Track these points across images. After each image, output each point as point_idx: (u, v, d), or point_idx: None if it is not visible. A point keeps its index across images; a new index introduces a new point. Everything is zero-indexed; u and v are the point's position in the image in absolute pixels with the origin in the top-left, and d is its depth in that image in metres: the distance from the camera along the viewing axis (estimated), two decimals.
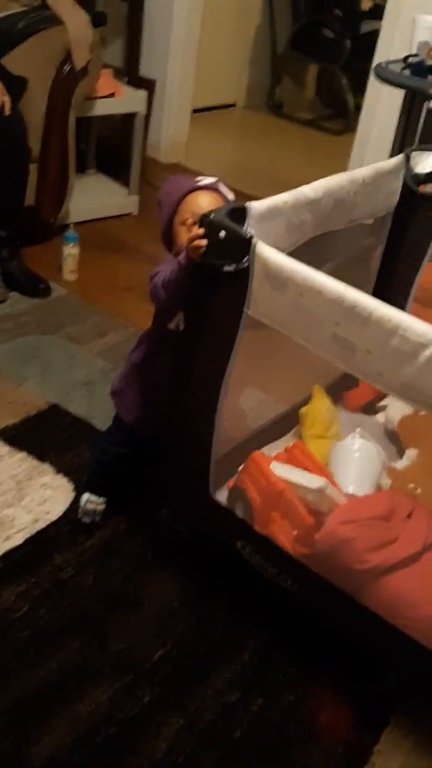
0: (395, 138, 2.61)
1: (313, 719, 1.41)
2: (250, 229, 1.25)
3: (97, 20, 2.75)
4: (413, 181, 1.78)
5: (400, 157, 1.74)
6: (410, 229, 1.86)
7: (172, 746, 1.32)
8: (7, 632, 1.45)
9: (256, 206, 1.32)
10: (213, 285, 1.29)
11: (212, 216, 1.24)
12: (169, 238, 1.51)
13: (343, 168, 3.41)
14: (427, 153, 1.78)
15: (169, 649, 1.47)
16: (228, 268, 1.25)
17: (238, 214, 1.29)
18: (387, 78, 2.26)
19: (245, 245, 1.21)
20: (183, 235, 1.42)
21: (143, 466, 1.75)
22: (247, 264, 1.23)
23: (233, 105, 4.97)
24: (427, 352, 1.07)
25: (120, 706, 1.37)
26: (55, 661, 1.42)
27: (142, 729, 1.34)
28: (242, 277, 1.24)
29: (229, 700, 1.41)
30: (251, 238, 1.21)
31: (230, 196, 1.48)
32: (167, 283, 1.40)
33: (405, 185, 1.77)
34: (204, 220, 1.25)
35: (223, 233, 1.22)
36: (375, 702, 1.45)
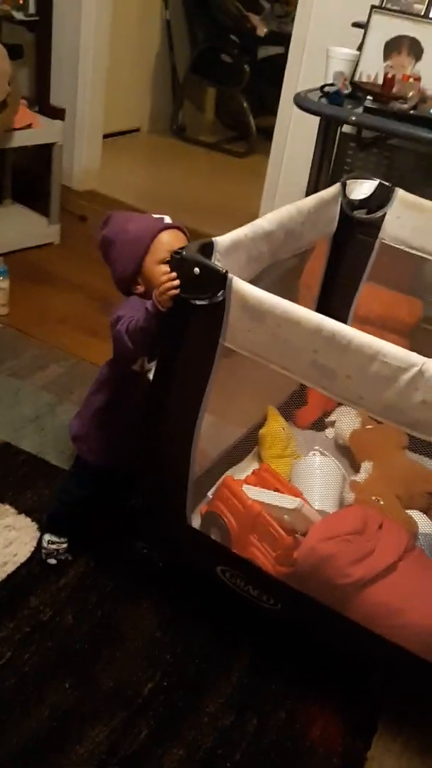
0: (313, 161, 2.71)
1: (307, 733, 1.45)
2: (218, 263, 1.29)
3: (14, 52, 2.73)
4: (349, 207, 1.88)
5: (337, 185, 1.83)
6: (348, 252, 1.95)
7: None
8: None
9: (221, 241, 1.37)
10: (186, 318, 1.32)
11: (184, 253, 1.27)
12: (128, 281, 1.48)
13: (252, 187, 3.53)
14: (360, 181, 1.88)
15: (158, 680, 1.48)
16: (201, 302, 1.28)
17: (206, 249, 1.33)
18: (307, 107, 2.35)
19: (220, 280, 1.25)
20: (158, 276, 1.38)
21: (106, 502, 1.75)
22: (222, 298, 1.26)
23: (137, 130, 5.01)
24: (406, 376, 1.14)
25: (119, 744, 1.36)
26: (46, 707, 1.40)
27: (145, 764, 1.34)
28: (217, 310, 1.28)
29: (225, 723, 1.43)
30: (227, 273, 1.24)
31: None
32: (133, 331, 1.39)
33: (342, 211, 1.86)
34: (176, 258, 1.28)
35: (197, 270, 1.26)
36: (362, 710, 1.51)
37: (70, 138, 3.67)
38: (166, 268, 1.36)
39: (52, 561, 1.68)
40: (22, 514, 1.79)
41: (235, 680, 1.51)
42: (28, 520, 1.78)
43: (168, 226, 1.46)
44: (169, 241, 1.43)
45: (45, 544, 1.69)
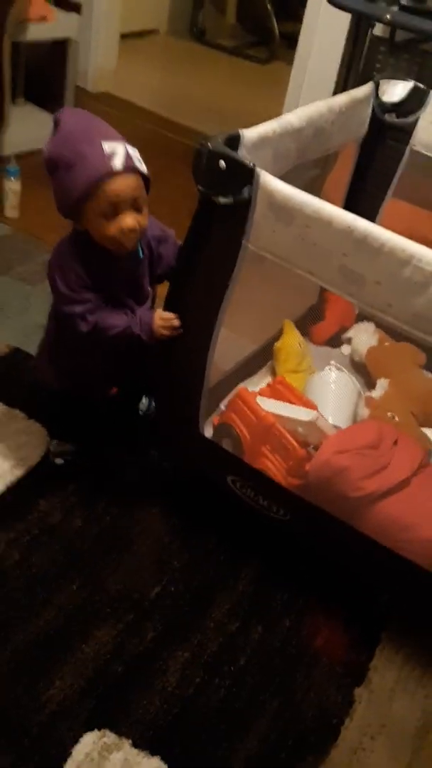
0: (341, 64, 2.57)
1: (311, 642, 1.46)
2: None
3: None
4: (380, 109, 1.78)
5: (370, 85, 1.72)
6: (376, 158, 1.86)
7: (180, 679, 1.34)
8: (2, 581, 1.42)
9: (248, 134, 1.29)
10: (208, 217, 1.26)
11: (210, 145, 1.19)
12: (71, 212, 1.33)
13: (273, 96, 3.38)
14: (394, 82, 1.77)
15: (165, 585, 1.48)
16: (225, 200, 1.22)
17: (232, 141, 1.25)
18: (340, 3, 2.21)
19: (247, 175, 1.18)
20: (103, 228, 1.30)
21: (115, 410, 1.73)
22: (248, 195, 1.20)
23: (155, 31, 4.78)
24: None
25: (125, 645, 1.37)
26: (54, 607, 1.40)
27: (150, 665, 1.35)
28: (242, 209, 1.22)
29: (230, 629, 1.44)
30: (254, 167, 1.17)
31: (143, 168, 1.31)
32: (100, 331, 1.34)
33: (373, 114, 1.77)
34: (200, 150, 1.20)
35: (222, 163, 1.19)
36: (365, 622, 1.51)
37: (85, 36, 3.49)
38: (164, 315, 1.36)
39: (60, 461, 1.67)
40: (33, 419, 1.77)
41: (242, 589, 1.51)
42: (39, 425, 1.76)
43: (115, 173, 1.26)
44: (116, 191, 1.26)
45: (52, 448, 1.68)
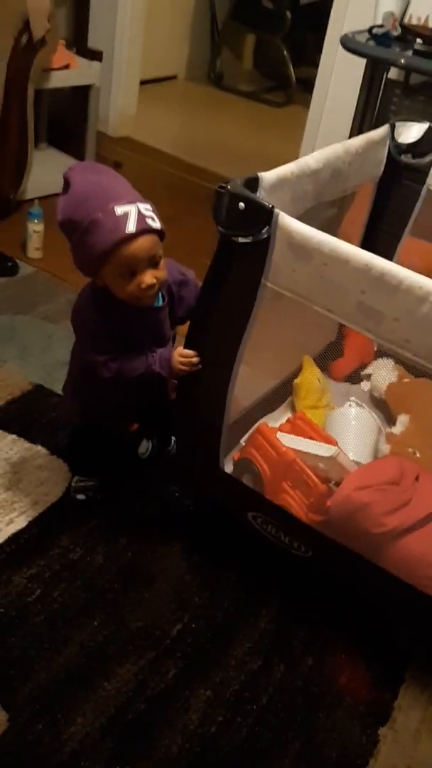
0: (357, 108, 2.63)
1: (334, 682, 1.44)
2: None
3: None
4: (396, 150, 1.81)
5: (386, 127, 1.76)
6: (392, 198, 1.89)
7: (203, 718, 1.33)
8: (23, 617, 1.43)
9: (267, 177, 1.32)
10: (228, 256, 1.29)
11: (230, 188, 1.23)
12: (90, 272, 1.36)
13: (290, 139, 3.45)
14: (410, 124, 1.81)
15: (186, 623, 1.48)
16: (244, 240, 1.24)
17: (252, 184, 1.29)
18: (355, 49, 2.27)
19: (266, 216, 1.21)
20: (122, 287, 1.33)
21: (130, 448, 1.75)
22: (267, 235, 1.22)
23: (174, 77, 4.90)
24: None
25: (147, 683, 1.37)
26: (75, 644, 1.41)
27: (172, 703, 1.35)
28: (261, 248, 1.24)
29: (252, 668, 1.43)
30: (273, 208, 1.20)
31: (157, 225, 1.32)
32: (123, 373, 1.38)
33: (389, 155, 1.80)
34: (222, 192, 1.23)
35: (242, 205, 1.22)
36: (389, 660, 1.50)
37: (106, 82, 3.60)
38: (184, 352, 1.37)
39: (81, 497, 1.68)
40: (54, 455, 1.79)
41: (263, 626, 1.50)
42: (60, 461, 1.77)
43: (129, 236, 1.27)
44: (133, 253, 1.28)
45: (74, 483, 1.70)
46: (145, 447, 1.80)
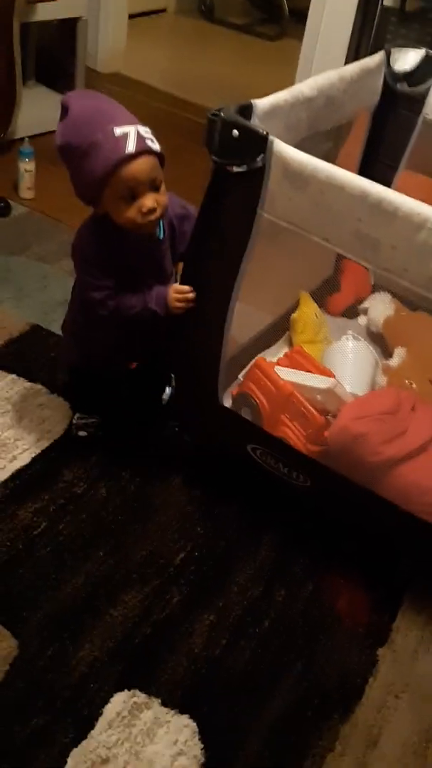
0: (351, 37, 2.57)
1: (333, 605, 1.48)
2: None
3: None
4: (392, 78, 1.78)
5: (381, 54, 1.73)
6: (389, 129, 1.86)
7: (206, 641, 1.38)
8: (30, 550, 1.46)
9: (260, 104, 1.30)
10: (222, 187, 1.28)
11: (223, 115, 1.21)
12: (90, 198, 1.35)
13: (284, 73, 3.36)
14: (406, 50, 1.77)
15: (189, 551, 1.52)
16: (239, 169, 1.23)
17: (245, 111, 1.27)
18: None
19: (261, 143, 1.20)
20: (123, 211, 1.31)
21: (136, 386, 1.76)
22: (261, 163, 1.21)
23: (164, 10, 4.76)
24: None
25: (152, 609, 1.41)
26: (81, 574, 1.44)
27: (176, 628, 1.39)
28: (256, 177, 1.23)
29: (254, 594, 1.47)
30: (267, 135, 1.19)
31: (156, 147, 1.31)
32: (120, 312, 1.39)
33: (385, 83, 1.77)
34: (214, 119, 1.22)
35: (235, 132, 1.20)
36: (387, 584, 1.54)
37: (94, 16, 3.50)
38: (179, 287, 1.37)
39: (83, 433, 1.70)
40: (55, 394, 1.80)
41: (264, 554, 1.54)
42: (61, 399, 1.79)
43: (129, 156, 1.26)
44: (133, 175, 1.27)
45: (75, 420, 1.71)
46: (168, 394, 1.81)
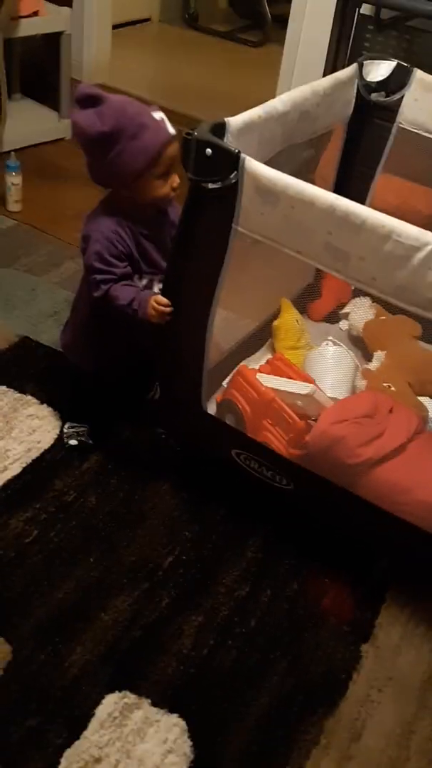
0: (329, 45, 2.61)
1: (318, 604, 1.53)
2: (230, 144, 1.28)
3: None
4: (366, 89, 1.83)
5: (354, 66, 1.77)
6: (364, 137, 1.91)
7: (195, 642, 1.42)
8: (22, 557, 1.50)
9: (233, 121, 1.35)
10: (198, 203, 1.32)
11: (197, 134, 1.26)
12: (119, 185, 1.45)
13: (268, 77, 3.42)
14: (378, 62, 1.82)
15: (177, 555, 1.56)
16: (214, 186, 1.28)
17: (218, 129, 1.31)
18: None
19: (233, 161, 1.24)
20: (158, 188, 1.43)
21: (125, 393, 1.80)
22: (235, 180, 1.26)
23: (148, 19, 4.81)
24: (420, 255, 1.14)
25: (141, 612, 1.45)
26: (73, 580, 1.48)
27: (166, 630, 1.43)
28: (230, 193, 1.28)
29: (241, 594, 1.51)
30: (239, 153, 1.23)
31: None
32: (110, 300, 1.46)
33: (358, 94, 1.82)
34: (187, 139, 1.26)
35: (209, 151, 1.25)
36: (370, 583, 1.58)
37: (78, 29, 3.53)
38: (159, 299, 1.42)
39: (74, 442, 1.74)
40: (44, 404, 1.84)
41: (250, 555, 1.58)
42: (50, 409, 1.83)
43: (172, 137, 1.40)
44: (172, 154, 1.40)
45: (66, 429, 1.76)
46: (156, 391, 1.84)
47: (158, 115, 1.41)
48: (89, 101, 1.38)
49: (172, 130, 1.41)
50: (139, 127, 1.38)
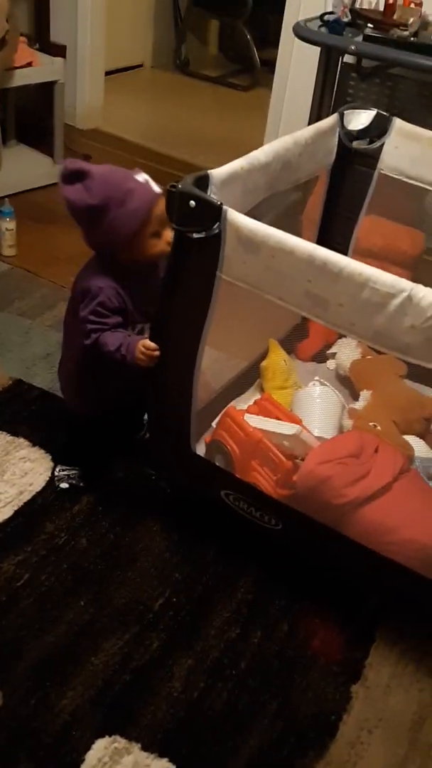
0: (314, 93, 2.69)
1: (308, 644, 1.54)
2: (214, 196, 1.33)
3: None
4: (347, 138, 1.88)
5: (335, 116, 1.83)
6: (347, 183, 1.96)
7: (185, 684, 1.43)
8: (13, 601, 1.52)
9: (216, 173, 1.39)
10: (184, 252, 1.36)
11: (181, 187, 1.30)
12: (116, 250, 1.49)
13: (257, 123, 3.50)
14: (358, 111, 1.88)
15: (168, 597, 1.57)
16: (198, 236, 1.32)
17: (202, 182, 1.36)
18: (306, 37, 2.33)
19: (215, 212, 1.29)
20: (153, 246, 1.48)
21: (116, 435, 1.83)
22: (218, 230, 1.30)
23: (141, 65, 4.93)
24: (396, 301, 1.18)
25: (132, 655, 1.46)
26: (64, 623, 1.50)
27: (156, 673, 1.44)
28: (213, 243, 1.32)
29: (231, 636, 1.52)
30: (221, 205, 1.28)
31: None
32: (99, 346, 1.49)
33: (340, 142, 1.87)
34: (171, 192, 1.31)
35: (192, 203, 1.29)
36: (360, 623, 1.59)
37: (71, 76, 3.64)
38: (147, 344, 1.45)
39: (65, 485, 1.77)
40: (36, 446, 1.87)
41: (240, 597, 1.60)
42: (42, 451, 1.86)
43: (158, 196, 1.44)
44: (161, 211, 1.42)
45: (57, 472, 1.78)
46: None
47: (141, 177, 1.46)
48: (75, 176, 1.43)
49: (157, 189, 1.45)
50: (126, 193, 1.43)
